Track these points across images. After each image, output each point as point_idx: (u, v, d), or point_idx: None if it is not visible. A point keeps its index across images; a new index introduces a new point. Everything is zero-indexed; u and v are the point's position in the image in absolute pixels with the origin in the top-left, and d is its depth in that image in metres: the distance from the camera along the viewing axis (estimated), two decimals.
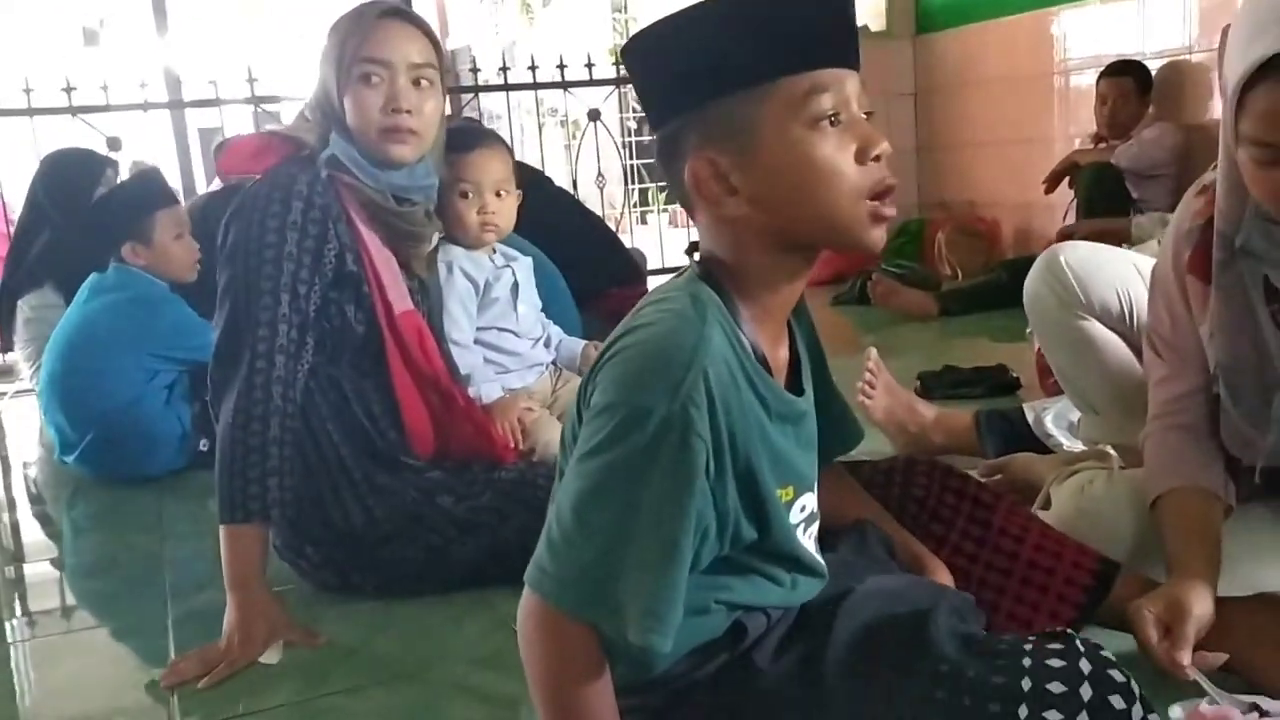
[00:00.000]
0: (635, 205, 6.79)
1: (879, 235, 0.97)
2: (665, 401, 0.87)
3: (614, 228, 5.13)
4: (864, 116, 0.96)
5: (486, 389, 1.98)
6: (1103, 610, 1.30)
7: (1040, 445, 2.07)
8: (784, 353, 1.05)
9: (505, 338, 2.07)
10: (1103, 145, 4.09)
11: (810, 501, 1.06)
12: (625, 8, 6.77)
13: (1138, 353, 1.62)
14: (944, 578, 1.24)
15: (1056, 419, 2.09)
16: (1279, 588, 1.33)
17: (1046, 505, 1.62)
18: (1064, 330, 1.79)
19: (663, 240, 5.01)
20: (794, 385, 1.06)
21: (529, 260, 2.17)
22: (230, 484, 1.56)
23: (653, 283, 4.05)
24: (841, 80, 0.94)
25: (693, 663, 1.00)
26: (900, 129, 5.46)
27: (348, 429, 1.73)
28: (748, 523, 0.98)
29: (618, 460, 0.88)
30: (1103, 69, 4.07)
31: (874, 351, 2.32)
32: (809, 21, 0.93)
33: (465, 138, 2.05)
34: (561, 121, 5.26)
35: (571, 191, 4.63)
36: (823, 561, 1.07)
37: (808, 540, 1.06)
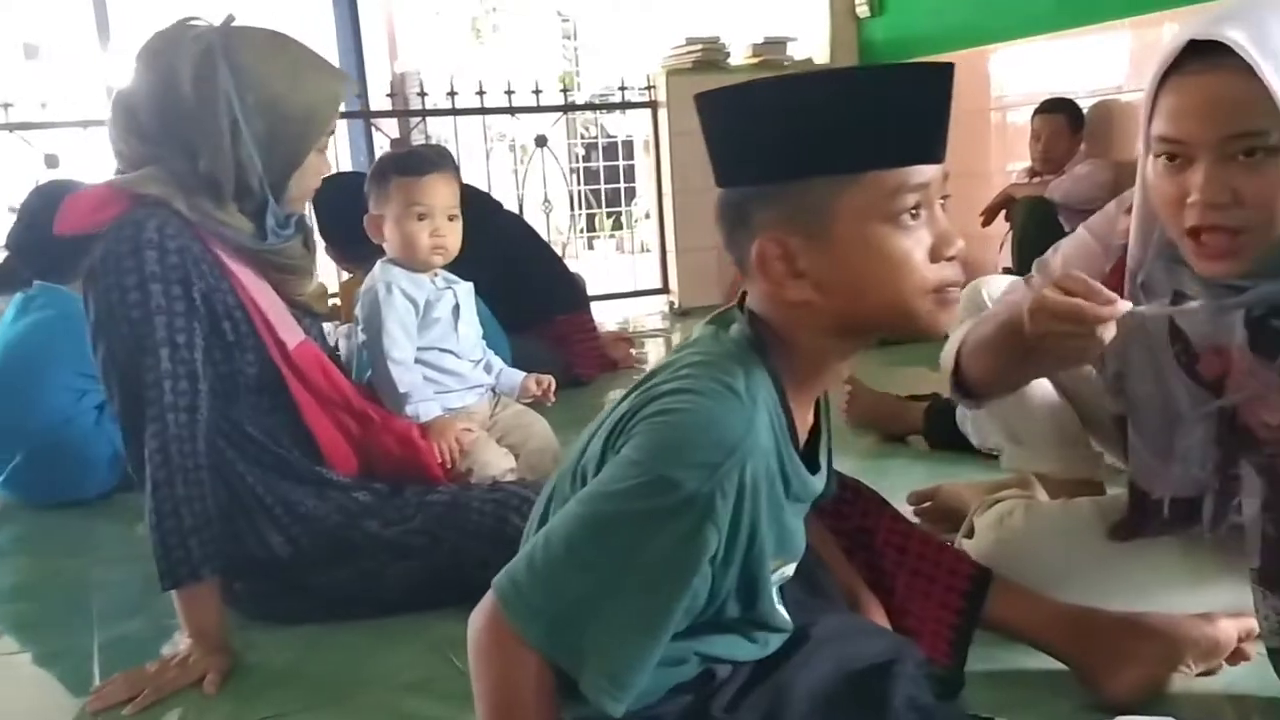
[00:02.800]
0: (582, 231, 6.82)
1: (947, 319, 0.95)
2: (697, 481, 0.86)
3: (560, 253, 5.16)
4: (942, 205, 0.95)
5: (425, 408, 1.99)
6: (983, 615, 1.34)
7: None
8: (809, 420, 1.05)
9: (446, 358, 2.09)
10: (1037, 180, 4.19)
11: (791, 569, 1.07)
12: (575, 35, 6.83)
13: (1059, 386, 1.67)
14: (877, 615, 1.27)
15: (975, 420, 2.32)
16: (1191, 610, 1.38)
17: (970, 534, 1.66)
18: None
19: (609, 266, 5.05)
20: (812, 453, 1.05)
21: (469, 284, 2.20)
22: (156, 551, 1.53)
23: (597, 308, 4.09)
24: (928, 177, 0.92)
25: (658, 699, 1.01)
26: None
27: (259, 465, 1.69)
28: (735, 603, 0.99)
29: (632, 512, 0.87)
30: (1037, 106, 4.17)
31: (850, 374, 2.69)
32: (908, 117, 0.90)
33: (419, 162, 2.08)
34: (510, 146, 5.28)
35: (519, 215, 4.65)
36: (786, 615, 1.08)
37: (774, 593, 1.06)
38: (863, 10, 5.38)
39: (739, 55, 5.27)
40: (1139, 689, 1.29)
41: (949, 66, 0.93)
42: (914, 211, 0.91)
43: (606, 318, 4.75)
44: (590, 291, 4.05)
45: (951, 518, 1.92)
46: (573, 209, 5.25)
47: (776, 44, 5.31)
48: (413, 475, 1.82)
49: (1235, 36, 1.09)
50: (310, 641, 1.67)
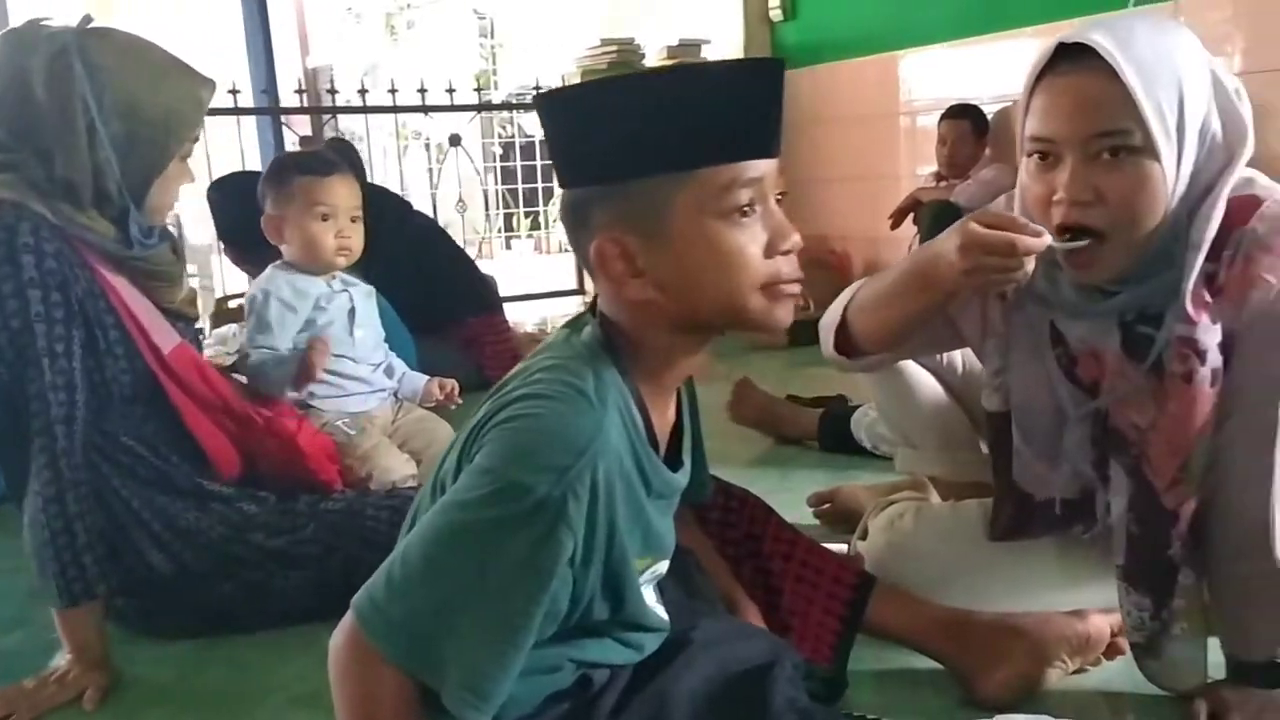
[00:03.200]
0: (500, 231, 6.78)
1: (783, 314, 0.96)
2: (548, 485, 0.86)
3: (476, 253, 5.12)
4: (778, 201, 0.96)
5: (322, 405, 1.98)
6: (865, 620, 1.37)
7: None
8: (670, 418, 1.06)
9: (343, 362, 2.07)
10: (943, 184, 4.27)
11: (664, 566, 1.07)
12: (492, 33, 6.78)
13: (950, 389, 1.70)
14: (754, 620, 1.28)
15: (870, 427, 2.38)
16: (1069, 608, 1.42)
17: (865, 536, 1.69)
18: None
19: (528, 266, 5.02)
20: (675, 452, 1.06)
21: (368, 287, 2.17)
22: (50, 569, 1.47)
23: (511, 309, 4.06)
24: (761, 171, 0.93)
25: (536, 709, 1.01)
26: None
27: (135, 479, 1.64)
28: (602, 604, 0.99)
29: (485, 521, 0.87)
30: (943, 111, 4.26)
31: (738, 376, 2.73)
32: (737, 114, 0.91)
33: (322, 162, 2.05)
34: (425, 145, 5.22)
35: (431, 217, 4.61)
36: (664, 615, 1.09)
37: (650, 593, 1.07)
38: (776, 14, 5.43)
39: (654, 57, 5.28)
40: (1013, 687, 1.33)
41: (778, 62, 0.95)
42: (748, 207, 0.92)
43: (524, 318, 4.73)
44: (507, 292, 4.03)
45: (850, 519, 1.95)
46: (489, 209, 5.20)
47: (691, 46, 5.34)
48: (301, 479, 1.79)
49: (1100, 40, 1.13)
50: (195, 656, 1.63)
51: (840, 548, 1.80)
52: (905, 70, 4.88)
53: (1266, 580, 1.21)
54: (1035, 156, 1.21)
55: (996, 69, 4.30)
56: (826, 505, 2.05)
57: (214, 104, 1.74)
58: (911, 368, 1.70)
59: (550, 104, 0.96)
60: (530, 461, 0.87)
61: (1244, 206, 1.18)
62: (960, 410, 1.70)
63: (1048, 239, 1.16)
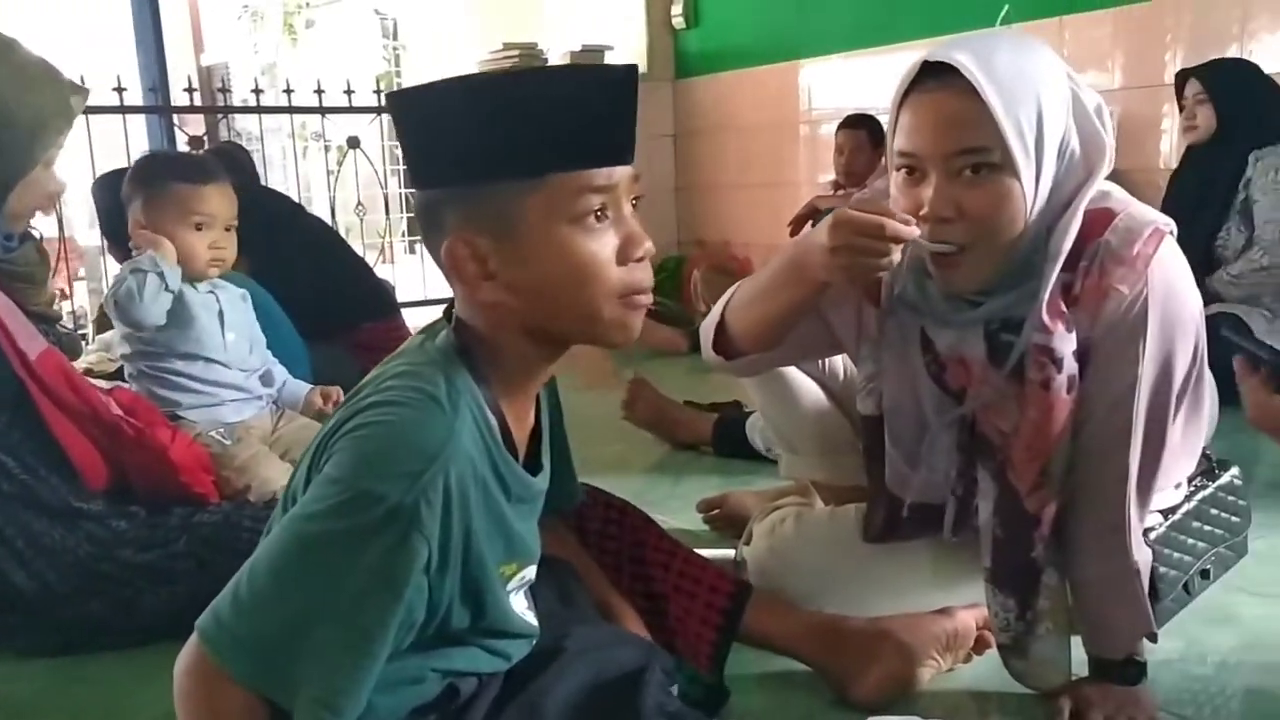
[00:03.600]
0: (404, 235, 6.68)
1: (635, 323, 0.97)
2: (399, 492, 0.84)
3: (378, 258, 5.03)
4: (632, 209, 0.95)
5: (193, 415, 1.92)
6: (741, 629, 1.38)
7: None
8: (529, 422, 1.05)
9: (214, 369, 2.01)
10: (841, 192, 4.34)
11: (531, 572, 1.06)
12: (395, 34, 6.68)
13: (831, 395, 1.72)
14: (632, 624, 1.28)
15: (764, 430, 2.33)
16: (931, 607, 1.45)
17: (750, 541, 1.70)
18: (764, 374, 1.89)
19: (430, 271, 4.96)
20: (535, 456, 1.06)
21: (240, 290, 2.11)
22: None
23: (410, 315, 4.00)
24: (614, 178, 0.92)
25: None
26: (660, 169, 5.63)
27: (0, 493, 1.58)
28: (462, 611, 0.97)
29: (335, 534, 0.85)
30: (840, 121, 4.33)
31: (633, 374, 2.76)
32: (589, 120, 0.90)
33: (199, 170, 2.00)
34: (324, 147, 5.12)
35: (328, 220, 4.52)
36: (534, 621, 1.08)
37: (520, 600, 1.06)
38: (678, 22, 5.47)
39: (556, 62, 5.27)
40: (885, 689, 1.35)
41: (631, 69, 0.95)
42: (599, 213, 0.92)
43: (425, 323, 4.65)
44: (409, 297, 3.97)
45: (738, 525, 1.96)
46: (389, 212, 5.13)
47: (594, 52, 5.34)
48: (174, 492, 1.73)
49: (962, 59, 1.15)
50: (59, 674, 1.57)
51: (729, 553, 1.82)
52: (805, 79, 4.96)
53: (1123, 580, 1.25)
54: (903, 171, 1.23)
55: (893, 80, 4.39)
56: (716, 511, 2.07)
57: (98, 101, 1.69)
58: (793, 373, 1.72)
59: (402, 103, 0.95)
60: (380, 469, 0.86)
61: (1099, 219, 1.21)
62: (841, 415, 1.72)
63: (916, 230, 1.17)
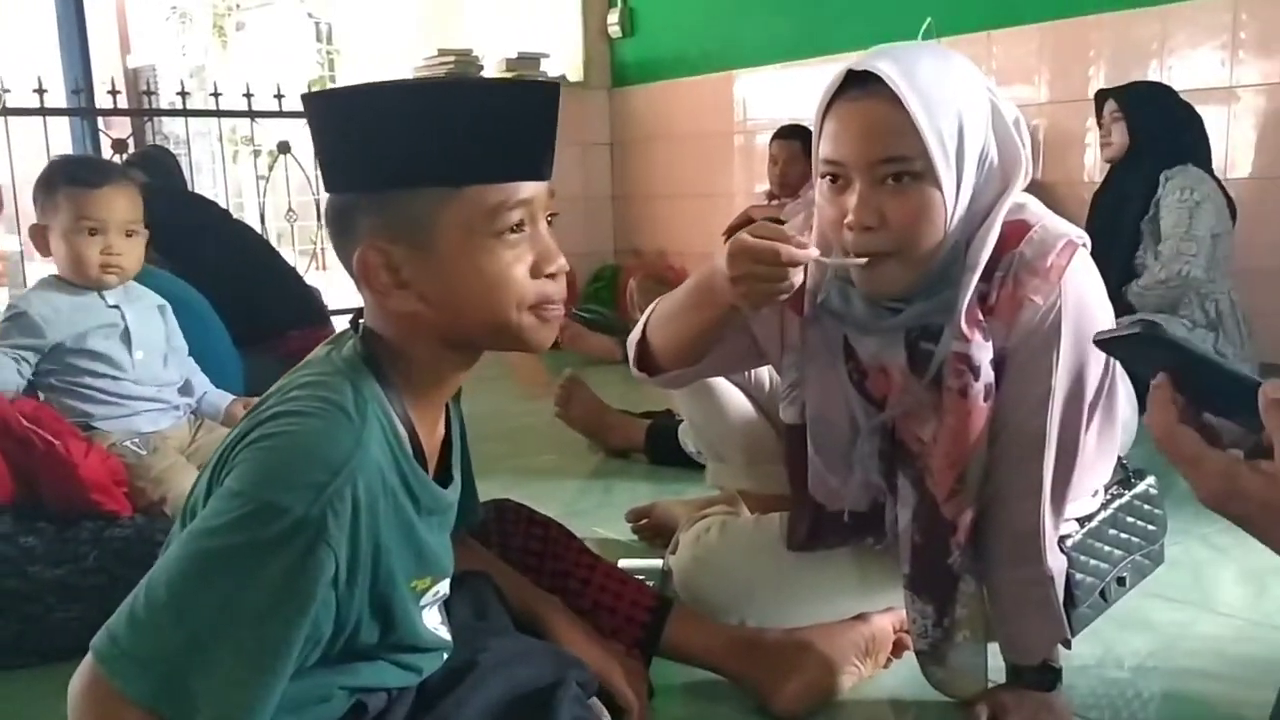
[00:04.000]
0: None
1: (547, 334, 0.96)
2: (304, 504, 0.82)
3: (310, 265, 4.96)
4: (548, 223, 0.95)
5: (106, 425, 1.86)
6: (661, 644, 1.38)
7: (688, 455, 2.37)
8: (440, 433, 1.03)
9: (123, 384, 1.95)
10: (775, 202, 4.36)
11: (444, 586, 1.05)
12: (329, 38, 6.58)
13: (756, 404, 1.72)
14: (562, 624, 1.27)
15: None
16: (853, 614, 1.46)
17: (676, 550, 1.70)
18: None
19: None
20: (445, 468, 1.04)
21: (158, 302, 2.06)
22: None
23: (341, 323, 3.93)
24: (532, 193, 0.92)
25: None
26: (597, 178, 5.63)
27: None
28: (371, 626, 0.95)
29: (236, 548, 0.82)
30: (774, 131, 4.36)
31: (570, 370, 2.75)
32: (512, 134, 0.91)
33: (92, 172, 1.93)
34: (254, 151, 5.03)
35: (258, 226, 4.45)
36: (447, 636, 1.06)
37: (433, 615, 1.04)
38: (615, 31, 5.47)
39: (492, 69, 5.24)
40: (806, 698, 1.35)
41: (553, 85, 0.95)
42: (516, 227, 0.92)
43: None
44: (340, 305, 3.90)
45: (665, 534, 1.96)
46: (320, 219, 5.05)
47: (530, 60, 5.32)
48: (83, 507, 1.68)
49: (886, 69, 1.16)
50: None
51: (657, 563, 1.82)
52: (740, 90, 4.99)
53: (1038, 587, 1.27)
54: (828, 179, 1.24)
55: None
56: (644, 521, 2.06)
57: (19, 103, 1.63)
58: (720, 383, 1.72)
59: (320, 105, 0.94)
60: (284, 480, 0.83)
61: (1015, 231, 1.23)
62: (767, 425, 1.72)
63: (813, 253, 1.18)
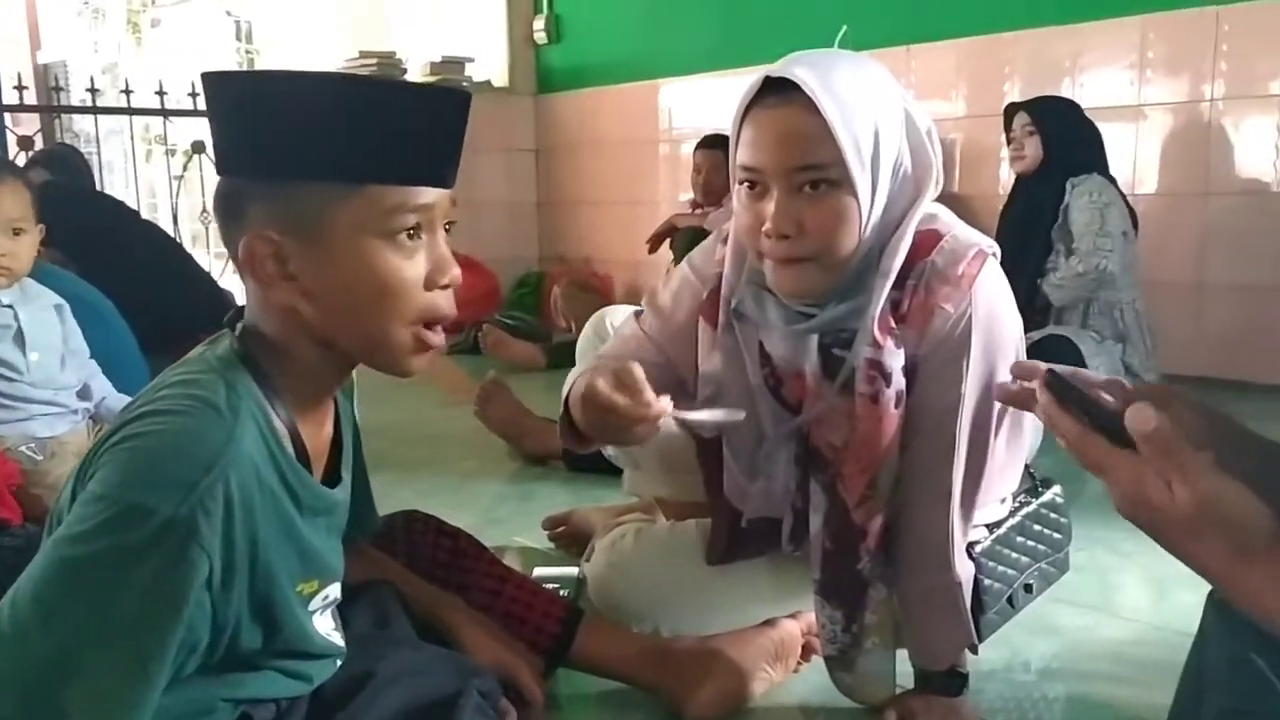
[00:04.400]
0: None
1: (419, 363, 0.94)
2: (173, 504, 0.79)
3: (225, 266, 4.84)
4: (445, 232, 0.94)
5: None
6: (572, 655, 1.37)
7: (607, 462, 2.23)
8: (327, 433, 1.01)
9: (18, 386, 1.88)
10: (699, 211, 4.39)
11: (335, 590, 1.02)
12: (250, 37, 6.45)
13: None
14: (468, 628, 1.26)
15: None
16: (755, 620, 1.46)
17: (591, 558, 1.68)
18: None
19: None
20: (334, 468, 1.01)
21: (55, 301, 1.98)
22: None
23: None
24: (433, 200, 0.91)
25: None
26: (522, 184, 5.60)
27: None
28: (252, 630, 0.91)
29: (103, 554, 0.79)
30: (698, 140, 4.38)
31: (493, 373, 2.72)
32: (415, 137, 0.89)
33: None
34: (168, 151, 4.90)
35: (170, 228, 4.34)
36: (340, 642, 1.04)
37: (326, 620, 1.02)
38: (540, 37, 5.46)
39: (416, 72, 5.19)
40: (717, 704, 1.35)
41: (464, 94, 0.94)
42: (412, 232, 0.90)
43: None
44: None
45: (582, 541, 1.94)
46: None
47: (454, 64, 5.28)
48: None
49: (802, 75, 1.16)
50: None
51: (573, 571, 1.80)
52: (665, 98, 5.01)
53: (945, 593, 1.28)
54: (745, 185, 1.24)
55: None
56: (561, 528, 2.04)
57: None
58: None
59: (221, 85, 0.91)
60: (151, 480, 0.80)
61: (927, 240, 1.24)
62: (684, 432, 1.72)
63: (661, 410, 1.13)
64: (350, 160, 0.87)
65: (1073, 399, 0.80)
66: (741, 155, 1.23)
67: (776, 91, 1.19)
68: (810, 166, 1.18)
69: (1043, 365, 0.87)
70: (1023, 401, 0.90)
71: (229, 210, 0.91)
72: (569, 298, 4.86)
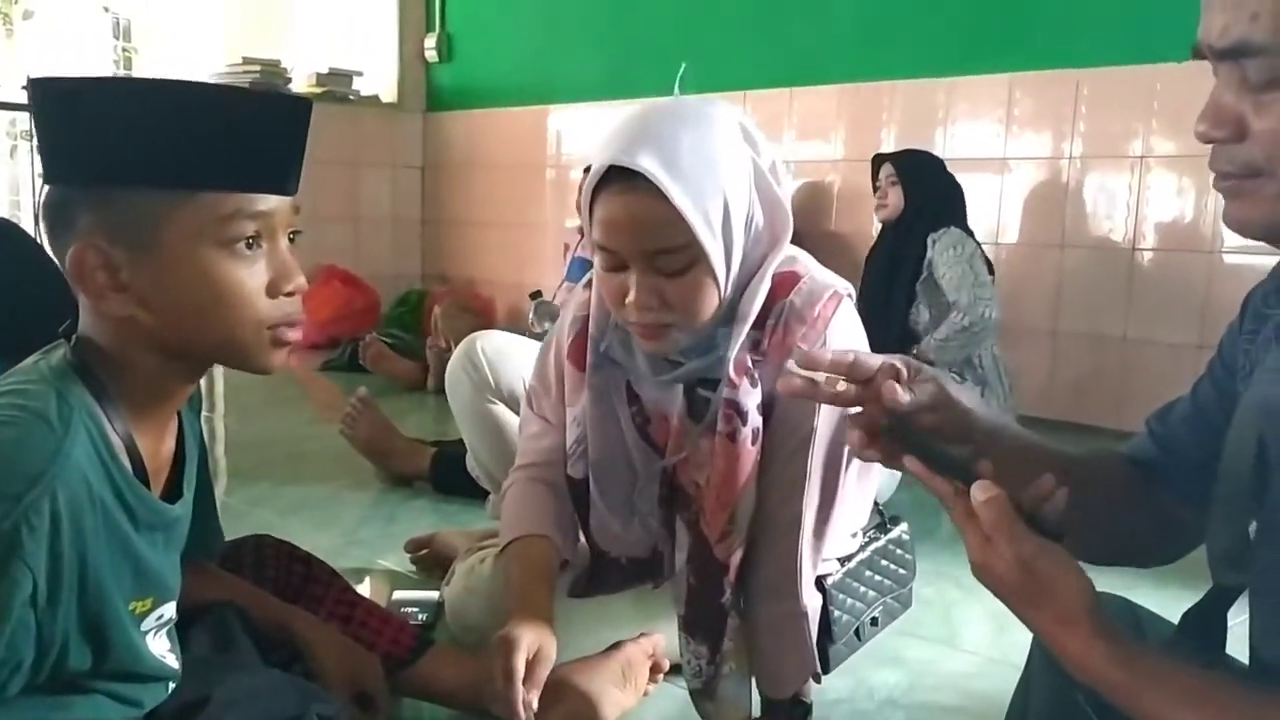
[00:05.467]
0: None
1: (279, 359, 0.94)
2: None
3: None
4: (290, 241, 0.93)
5: None
6: (413, 679, 1.37)
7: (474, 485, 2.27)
8: (168, 447, 0.98)
9: None
10: (584, 239, 4.41)
11: (169, 609, 0.99)
12: (129, 35, 6.25)
13: None
14: (321, 640, 1.25)
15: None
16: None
17: (451, 581, 1.67)
18: (476, 412, 1.89)
19: None
20: (175, 484, 0.99)
21: None
22: None
23: None
24: (272, 207, 0.90)
25: None
26: (407, 200, 5.56)
27: None
28: (81, 649, 0.89)
29: None
30: (586, 168, 4.41)
31: (363, 390, 2.65)
32: (252, 143, 0.88)
33: None
34: (35, 148, 4.69)
35: (31, 226, 4.15)
36: (175, 664, 1.01)
37: (160, 642, 0.99)
38: (431, 55, 5.44)
39: (301, 83, 5.11)
40: None
41: (302, 101, 0.94)
42: (251, 240, 0.90)
43: None
44: None
45: (444, 565, 1.93)
46: None
47: (342, 76, 5.22)
48: None
49: (647, 165, 1.16)
50: None
51: (434, 594, 1.79)
52: (554, 124, 5.04)
53: (792, 622, 1.31)
54: (604, 258, 1.25)
55: None
56: (424, 551, 2.03)
57: None
58: (504, 415, 1.72)
59: (50, 90, 0.88)
60: None
61: (786, 281, 1.28)
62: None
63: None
64: (181, 166, 0.86)
65: (933, 455, 0.87)
66: (597, 234, 1.24)
67: (624, 175, 1.19)
68: (664, 250, 1.20)
69: (828, 354, 0.94)
70: (807, 393, 0.95)
71: (57, 220, 0.88)
72: (450, 317, 4.81)
